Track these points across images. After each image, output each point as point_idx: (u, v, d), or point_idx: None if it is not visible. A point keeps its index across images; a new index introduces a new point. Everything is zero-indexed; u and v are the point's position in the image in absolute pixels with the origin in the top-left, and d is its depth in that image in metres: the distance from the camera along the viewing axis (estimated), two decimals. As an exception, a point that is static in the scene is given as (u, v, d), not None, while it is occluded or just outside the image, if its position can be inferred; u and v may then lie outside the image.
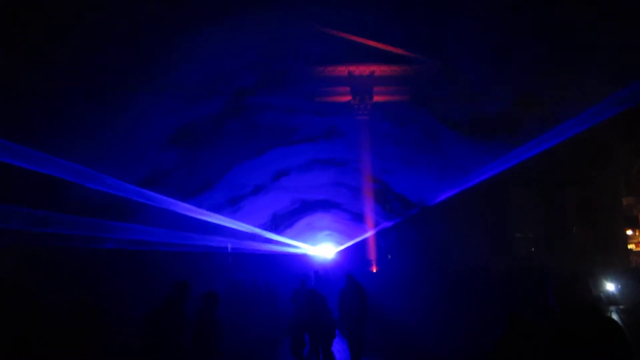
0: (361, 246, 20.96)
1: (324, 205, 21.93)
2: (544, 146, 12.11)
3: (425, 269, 14.32)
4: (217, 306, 6.53)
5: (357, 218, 21.63)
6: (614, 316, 8.13)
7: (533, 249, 14.79)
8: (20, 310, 5.79)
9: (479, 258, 14.08)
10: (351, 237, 22.94)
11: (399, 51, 11.15)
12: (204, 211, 14.20)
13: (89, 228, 10.60)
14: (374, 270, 18.48)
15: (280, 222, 21.18)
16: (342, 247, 24.13)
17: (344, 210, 22.22)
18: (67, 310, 5.75)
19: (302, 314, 9.63)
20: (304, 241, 24.00)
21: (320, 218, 23.62)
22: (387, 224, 19.59)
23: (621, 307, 8.74)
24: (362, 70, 12.08)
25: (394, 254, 19.46)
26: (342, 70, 12.01)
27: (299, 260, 22.78)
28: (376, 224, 19.72)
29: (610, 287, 9.58)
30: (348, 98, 12.76)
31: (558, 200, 14.28)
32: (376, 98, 12.70)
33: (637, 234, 16.81)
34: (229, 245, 17.07)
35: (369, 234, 20.10)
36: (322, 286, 13.69)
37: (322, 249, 25.31)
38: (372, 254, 19.12)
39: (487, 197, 15.37)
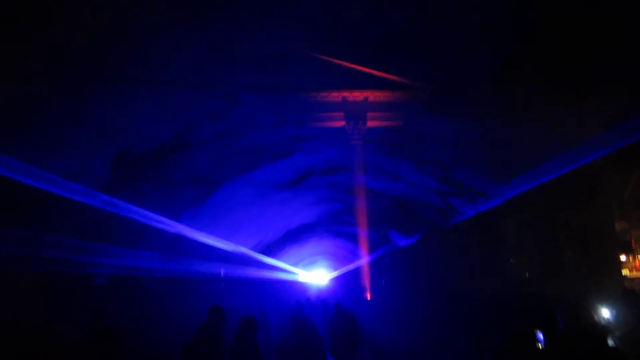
0: (355, 273, 20.85)
1: (318, 232, 21.87)
2: (537, 182, 12.32)
3: (419, 295, 14.28)
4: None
5: (351, 246, 21.56)
6: (610, 342, 8.06)
7: (527, 274, 14.73)
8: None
9: (473, 284, 14.05)
10: (345, 264, 22.83)
11: (394, 77, 11.23)
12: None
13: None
14: (368, 297, 18.38)
15: (274, 247, 21.11)
16: (337, 274, 24.00)
17: (338, 238, 22.15)
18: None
19: (289, 342, 9.55)
20: (297, 267, 23.87)
21: (315, 245, 23.55)
22: (381, 252, 19.54)
23: (616, 333, 8.68)
24: (355, 95, 12.14)
25: (387, 281, 19.34)
26: (336, 95, 12.06)
27: (293, 286, 22.61)
28: (370, 252, 19.66)
29: (605, 313, 9.54)
30: (342, 123, 12.82)
31: (552, 225, 14.28)
32: (370, 123, 12.76)
33: (630, 259, 16.83)
34: (222, 271, 16.94)
35: (363, 261, 20.02)
36: (314, 313, 13.60)
37: (316, 275, 25.15)
38: (366, 281, 19.02)
39: (480, 222, 15.41)
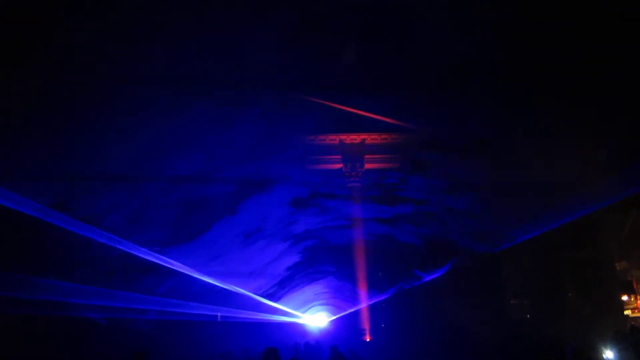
0: (354, 316, 20.67)
1: (317, 277, 21.77)
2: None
3: (417, 338, 14.08)
4: None
5: (350, 290, 21.44)
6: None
7: (528, 316, 14.57)
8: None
9: (473, 326, 13.87)
10: (344, 308, 22.64)
11: (390, 120, 11.39)
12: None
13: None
14: (368, 339, 18.10)
15: (274, 290, 20.91)
16: (336, 317, 23.76)
17: (337, 281, 22.04)
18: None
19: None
20: (296, 309, 23.65)
21: (313, 288, 23.37)
22: (380, 296, 19.43)
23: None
24: (353, 138, 12.30)
25: (387, 323, 19.10)
26: (334, 138, 12.22)
27: (291, 328, 22.34)
28: (369, 296, 19.54)
29: (609, 354, 9.40)
30: (340, 165, 12.92)
31: (552, 266, 14.23)
32: (367, 165, 12.87)
33: (632, 299, 16.67)
34: (218, 314, 16.73)
35: (362, 305, 19.88)
36: (312, 356, 13.36)
37: (315, 318, 24.87)
38: (365, 323, 18.81)
39: (481, 264, 15.34)
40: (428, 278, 17.01)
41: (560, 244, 13.79)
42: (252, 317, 19.18)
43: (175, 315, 14.75)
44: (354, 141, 12.30)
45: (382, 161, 12.76)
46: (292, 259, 18.66)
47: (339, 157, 12.73)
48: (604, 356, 9.08)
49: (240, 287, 17.11)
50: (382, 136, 12.25)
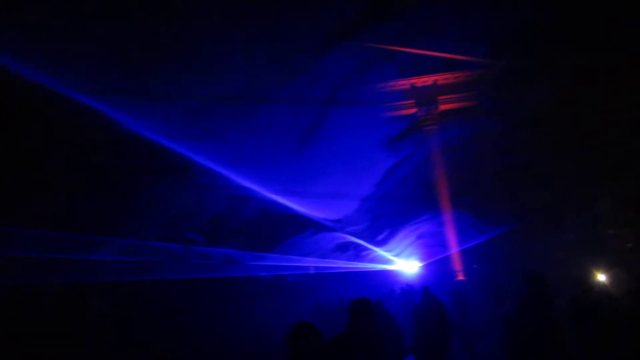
0: (447, 260, 20.62)
1: (411, 221, 21.81)
2: None
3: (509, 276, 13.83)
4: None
5: (443, 234, 21.32)
6: None
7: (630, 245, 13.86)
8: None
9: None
10: (437, 251, 22.59)
11: (462, 57, 11.04)
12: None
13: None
14: (461, 279, 18.09)
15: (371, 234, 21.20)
16: (429, 261, 23.76)
17: (431, 225, 21.96)
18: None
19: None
20: (391, 256, 23.89)
21: (408, 232, 23.44)
22: (471, 239, 19.21)
23: None
24: (424, 81, 12.05)
25: (479, 263, 18.91)
26: (404, 83, 12.04)
27: (386, 275, 22.67)
28: (461, 239, 19.39)
29: None
30: (414, 110, 12.75)
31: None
32: (442, 107, 12.60)
33: None
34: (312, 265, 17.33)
35: (455, 248, 19.76)
36: (406, 300, 13.56)
37: (409, 263, 25.02)
38: (458, 264, 18.75)
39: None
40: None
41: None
42: (348, 266, 19.69)
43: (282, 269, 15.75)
44: (426, 83, 12.05)
45: (457, 101, 12.44)
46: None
47: (412, 101, 12.55)
48: None
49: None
50: (455, 75, 11.92)
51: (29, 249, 8.60)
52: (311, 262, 17.36)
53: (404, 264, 25.11)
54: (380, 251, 22.39)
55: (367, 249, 21.18)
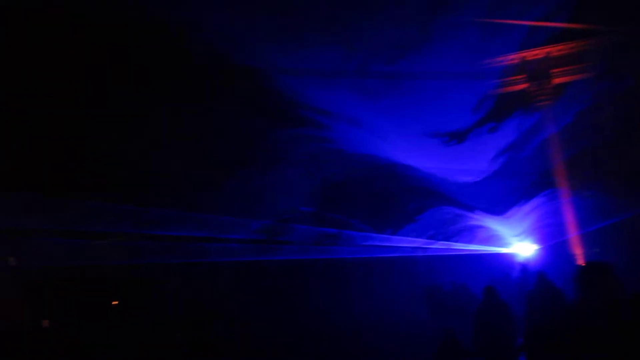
0: (565, 243, 19.64)
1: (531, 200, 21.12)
2: None
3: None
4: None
5: (562, 216, 20.37)
6: None
7: None
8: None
9: None
10: (556, 235, 21.53)
11: (575, 25, 10.45)
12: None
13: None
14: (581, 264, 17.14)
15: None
16: (546, 245, 22.68)
17: (549, 205, 21.07)
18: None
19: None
20: (506, 238, 23.21)
21: (525, 213, 22.66)
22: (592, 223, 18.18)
23: None
24: (535, 53, 11.54)
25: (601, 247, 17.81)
26: (513, 58, 11.60)
27: (500, 259, 22.04)
28: (581, 222, 18.43)
29: None
30: (525, 85, 12.26)
31: None
32: (556, 80, 11.99)
33: None
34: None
35: (576, 231, 18.80)
36: (520, 285, 13.17)
37: (526, 246, 24.02)
38: (578, 249, 17.77)
39: None
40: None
41: None
42: (462, 249, 19.55)
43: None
44: (537, 56, 11.53)
45: (572, 73, 11.75)
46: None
47: (523, 76, 12.06)
48: None
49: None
50: (569, 45, 11.28)
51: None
52: (427, 244, 17.45)
53: (521, 246, 24.18)
54: (499, 229, 21.87)
55: (484, 227, 20.83)
